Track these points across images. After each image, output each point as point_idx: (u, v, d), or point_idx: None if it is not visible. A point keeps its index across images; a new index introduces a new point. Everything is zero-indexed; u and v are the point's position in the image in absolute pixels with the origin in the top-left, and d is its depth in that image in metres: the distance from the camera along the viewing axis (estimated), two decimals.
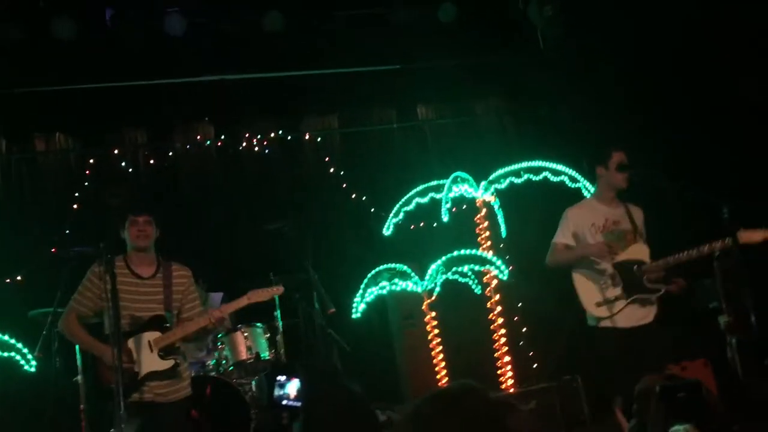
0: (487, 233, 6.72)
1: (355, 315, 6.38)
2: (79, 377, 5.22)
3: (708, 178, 5.72)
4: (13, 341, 5.78)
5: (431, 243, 6.90)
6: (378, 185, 7.42)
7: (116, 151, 7.11)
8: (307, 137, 7.60)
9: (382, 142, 7.76)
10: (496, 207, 6.64)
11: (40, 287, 5.90)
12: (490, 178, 6.63)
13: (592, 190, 6.06)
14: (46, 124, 6.95)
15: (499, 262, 6.32)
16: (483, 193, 6.67)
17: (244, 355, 5.66)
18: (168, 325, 4.20)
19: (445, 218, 6.46)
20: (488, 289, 6.61)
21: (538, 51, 7.48)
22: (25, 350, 5.75)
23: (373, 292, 6.41)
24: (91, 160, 7.02)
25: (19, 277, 6.39)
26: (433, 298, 6.43)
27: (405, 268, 6.47)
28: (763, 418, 4.50)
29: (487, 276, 6.58)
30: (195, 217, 6.88)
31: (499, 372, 6.52)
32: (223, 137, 7.38)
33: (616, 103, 6.76)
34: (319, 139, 7.62)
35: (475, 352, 6.56)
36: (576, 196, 5.94)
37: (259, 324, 5.80)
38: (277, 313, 6.02)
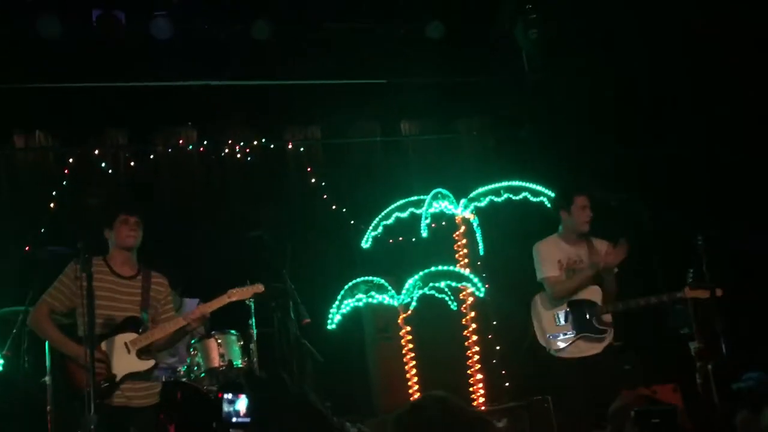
0: (465, 250, 6.76)
1: (331, 326, 6.37)
2: (47, 378, 5.13)
3: (687, 202, 5.82)
4: None
5: (409, 258, 6.93)
6: (358, 198, 7.44)
7: (96, 152, 7.06)
8: (290, 146, 7.61)
9: (365, 155, 7.78)
10: (475, 225, 6.69)
11: (11, 285, 5.82)
12: (471, 195, 6.69)
13: None
14: (26, 121, 6.88)
15: (475, 280, 6.36)
16: (463, 211, 6.72)
17: (216, 362, 5.60)
18: (144, 326, 4.16)
19: (424, 233, 6.50)
20: (464, 305, 6.65)
21: (523, 72, 7.57)
22: None
23: (349, 304, 6.42)
24: (71, 160, 6.95)
25: None
26: (409, 312, 6.45)
27: (382, 281, 6.48)
28: None
29: (464, 293, 6.61)
30: (173, 222, 6.83)
31: (471, 389, 6.54)
32: (205, 143, 7.36)
33: (598, 127, 6.86)
34: (301, 149, 7.62)
35: (448, 368, 6.57)
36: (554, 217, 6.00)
37: (233, 331, 5.75)
38: (252, 321, 5.99)
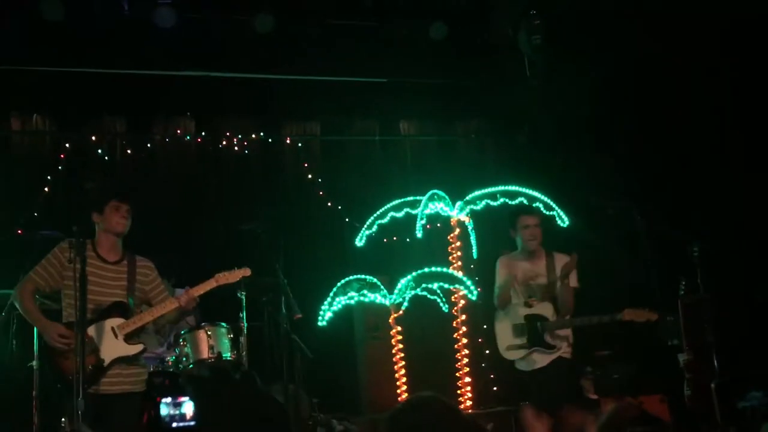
0: (459, 253, 6.76)
1: (321, 323, 6.36)
2: (34, 363, 5.12)
3: (685, 212, 5.81)
4: None
5: (403, 258, 6.93)
6: (354, 196, 7.43)
7: (93, 138, 7.03)
8: (288, 141, 7.59)
9: (363, 153, 7.78)
10: (470, 228, 6.69)
11: (2, 269, 5.78)
12: (467, 198, 6.68)
13: (566, 219, 6.18)
14: (24, 103, 6.85)
15: (468, 282, 6.36)
16: (458, 213, 6.71)
17: (205, 353, 5.56)
18: (131, 310, 4.14)
19: (419, 234, 6.49)
20: (455, 308, 6.64)
21: (524, 78, 7.57)
22: None
23: (340, 302, 6.40)
24: (67, 145, 6.92)
25: None
26: (400, 312, 6.44)
27: (375, 280, 6.47)
28: None
29: (456, 295, 6.60)
30: (168, 211, 6.81)
31: (459, 391, 6.53)
32: (203, 133, 7.34)
33: (598, 135, 6.87)
34: (299, 145, 7.61)
35: (436, 369, 6.57)
36: (549, 223, 6.01)
37: (223, 324, 5.73)
38: (243, 314, 5.97)
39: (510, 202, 6.49)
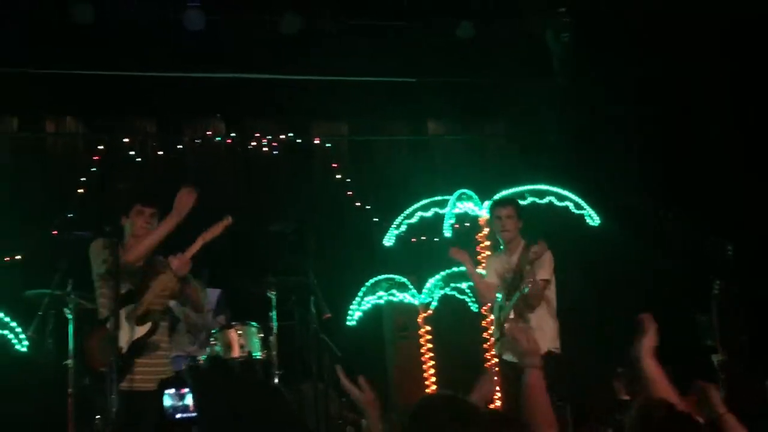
0: (488, 252, 6.72)
1: (350, 322, 6.38)
2: (70, 361, 5.20)
3: (719, 212, 5.71)
4: (7, 320, 5.78)
5: (431, 257, 6.91)
6: (382, 196, 7.44)
7: (125, 140, 7.13)
8: (316, 142, 7.63)
9: (391, 153, 7.79)
10: None
11: (38, 268, 5.89)
12: (495, 197, 6.64)
13: (596, 219, 6.12)
14: (58, 106, 6.97)
15: None
16: (487, 212, 6.68)
17: (236, 352, 5.62)
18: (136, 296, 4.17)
19: (448, 234, 6.47)
20: (485, 307, 6.61)
21: (552, 76, 7.52)
22: (19, 329, 5.74)
23: (369, 301, 6.42)
24: (100, 147, 7.03)
25: (18, 256, 6.39)
26: (429, 312, 6.43)
27: (403, 279, 6.47)
28: None
29: None
30: (198, 212, 6.86)
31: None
32: (233, 135, 7.40)
33: (627, 134, 6.79)
34: (328, 145, 7.64)
35: (466, 369, 6.53)
36: (579, 222, 5.97)
37: (253, 323, 5.78)
38: (273, 314, 6.01)
39: (539, 201, 6.46)
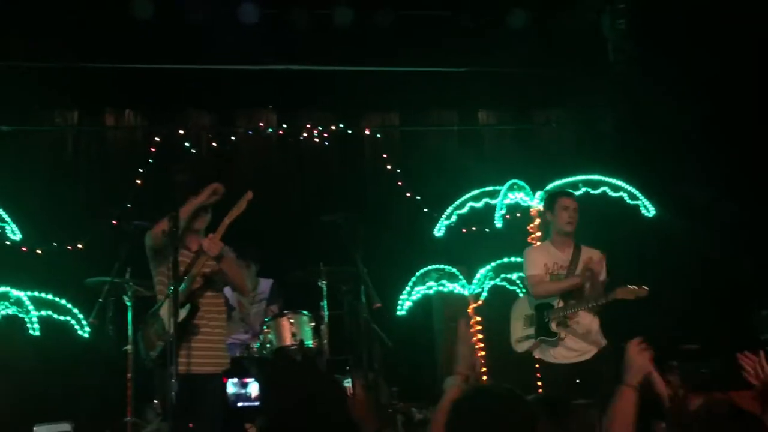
0: (539, 243, 6.67)
1: (401, 312, 6.41)
2: (129, 347, 5.39)
3: None
4: (69, 306, 5.99)
5: (481, 248, 6.88)
6: (433, 186, 7.44)
7: (181, 132, 7.29)
8: (367, 132, 7.67)
9: (441, 143, 7.77)
10: None
11: (99, 257, 6.10)
12: (547, 188, 6.58)
13: (652, 209, 6.01)
14: (117, 100, 7.18)
15: None
16: (539, 203, 6.62)
17: (288, 340, 5.72)
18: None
19: (499, 224, 6.44)
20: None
21: (607, 65, 7.38)
22: (81, 316, 5.95)
23: (419, 292, 6.44)
24: (157, 138, 7.21)
25: (80, 245, 6.61)
26: (480, 302, 6.42)
27: (453, 270, 6.47)
28: None
29: None
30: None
31: (538, 383, 6.45)
32: (284, 126, 7.49)
33: (684, 125, 6.62)
34: (378, 136, 7.67)
35: (516, 360, 6.50)
36: (634, 212, 5.87)
37: (305, 312, 5.87)
38: (324, 303, 6.09)
39: (592, 192, 6.37)
